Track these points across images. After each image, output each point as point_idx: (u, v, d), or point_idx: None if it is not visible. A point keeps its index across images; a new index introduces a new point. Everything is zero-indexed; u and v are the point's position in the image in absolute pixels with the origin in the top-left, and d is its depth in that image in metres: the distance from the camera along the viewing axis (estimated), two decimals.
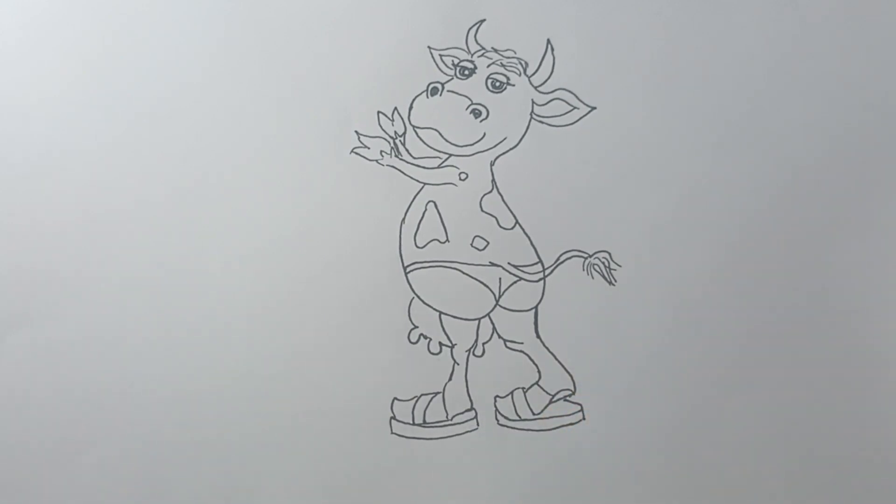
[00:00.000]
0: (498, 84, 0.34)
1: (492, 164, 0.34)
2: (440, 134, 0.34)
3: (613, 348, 0.33)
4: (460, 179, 0.34)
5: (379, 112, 0.34)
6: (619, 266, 0.33)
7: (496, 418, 0.34)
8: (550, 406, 0.34)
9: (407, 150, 0.34)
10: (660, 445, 0.33)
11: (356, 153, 0.33)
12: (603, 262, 0.33)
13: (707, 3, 0.34)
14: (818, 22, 0.34)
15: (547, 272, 0.34)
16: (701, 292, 0.33)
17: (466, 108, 0.34)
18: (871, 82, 0.34)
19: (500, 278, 0.34)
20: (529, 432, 0.34)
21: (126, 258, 0.33)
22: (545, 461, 0.33)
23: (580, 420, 0.34)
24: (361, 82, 0.33)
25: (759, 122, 0.34)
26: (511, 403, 0.34)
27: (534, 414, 0.34)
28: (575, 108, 0.34)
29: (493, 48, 0.34)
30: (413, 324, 0.33)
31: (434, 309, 0.34)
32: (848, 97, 0.34)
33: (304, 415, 0.33)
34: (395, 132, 0.34)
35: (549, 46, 0.34)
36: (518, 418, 0.34)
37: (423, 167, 0.34)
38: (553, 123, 0.34)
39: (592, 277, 0.33)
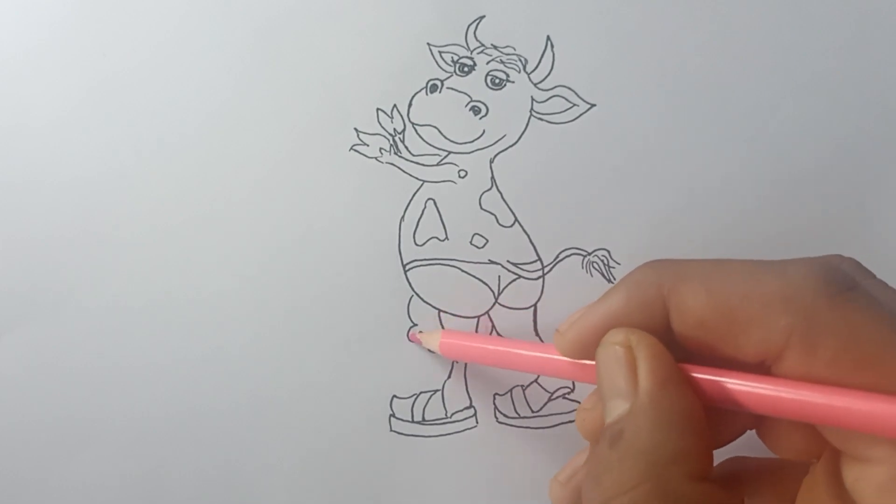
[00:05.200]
0: (497, 81, 0.33)
1: (491, 161, 0.34)
2: (439, 131, 0.33)
3: None
4: (459, 177, 0.34)
5: (378, 109, 0.33)
6: (619, 264, 0.33)
7: (495, 416, 0.34)
8: (549, 404, 0.34)
9: (406, 148, 0.33)
10: None
11: (355, 150, 0.33)
12: (602, 260, 0.33)
13: (708, 0, 0.34)
14: (820, 18, 0.33)
15: (546, 270, 0.34)
16: None
17: (466, 106, 0.33)
18: (873, 82, 0.33)
19: (499, 276, 0.34)
20: (528, 430, 0.34)
21: (124, 256, 0.33)
22: (544, 458, 0.34)
23: None
24: (360, 79, 0.33)
25: (760, 120, 0.33)
26: (510, 401, 0.34)
27: (533, 412, 0.34)
28: (574, 105, 0.34)
29: (492, 45, 0.34)
30: (412, 321, 0.33)
31: (433, 307, 0.34)
32: (849, 97, 0.33)
33: (303, 412, 0.33)
34: (395, 129, 0.33)
35: (549, 43, 0.34)
36: (517, 416, 0.34)
37: (423, 164, 0.34)
38: (552, 121, 0.34)
39: (591, 275, 0.33)
